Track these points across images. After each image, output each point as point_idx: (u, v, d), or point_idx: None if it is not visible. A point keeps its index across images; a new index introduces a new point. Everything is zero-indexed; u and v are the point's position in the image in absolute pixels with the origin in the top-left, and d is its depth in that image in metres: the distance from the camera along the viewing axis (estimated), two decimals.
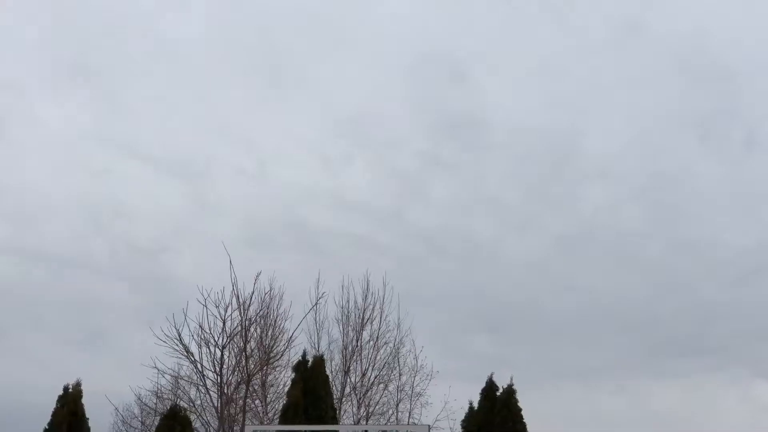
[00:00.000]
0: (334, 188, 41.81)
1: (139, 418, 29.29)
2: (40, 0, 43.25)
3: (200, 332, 23.98)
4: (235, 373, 24.44)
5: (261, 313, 25.16)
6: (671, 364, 39.97)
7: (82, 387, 21.20)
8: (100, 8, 43.54)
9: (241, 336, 24.44)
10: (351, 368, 26.22)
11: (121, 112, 42.96)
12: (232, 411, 24.15)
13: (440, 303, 37.29)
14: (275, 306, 25.63)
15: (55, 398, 21.01)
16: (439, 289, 38.40)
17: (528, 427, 20.24)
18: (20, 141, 43.55)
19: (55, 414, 20.56)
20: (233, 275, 24.38)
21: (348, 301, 27.16)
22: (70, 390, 20.92)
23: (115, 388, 29.08)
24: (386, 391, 26.32)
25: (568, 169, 43.73)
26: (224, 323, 24.04)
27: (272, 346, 25.35)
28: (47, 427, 20.45)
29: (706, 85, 42.68)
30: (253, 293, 24.54)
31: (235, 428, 23.89)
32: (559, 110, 43.76)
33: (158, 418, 22.78)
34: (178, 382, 25.96)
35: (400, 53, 43.60)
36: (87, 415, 20.94)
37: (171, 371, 25.49)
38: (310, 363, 21.79)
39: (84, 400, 21.21)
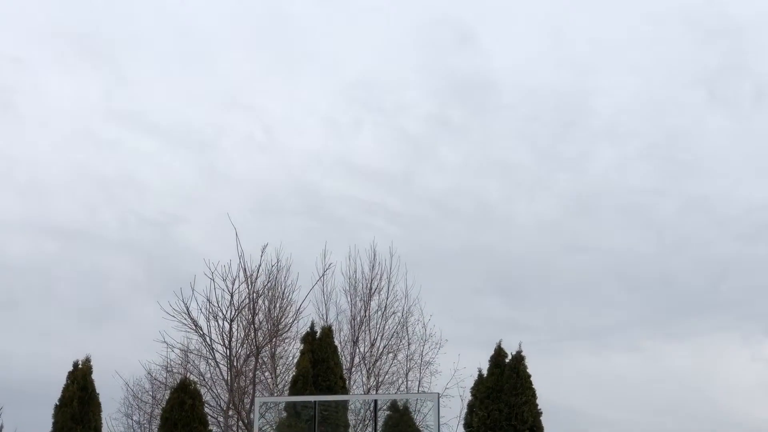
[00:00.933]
0: (342, 154, 41.71)
1: (150, 393, 29.44)
2: None
3: (208, 306, 24.09)
4: (244, 345, 24.53)
5: (268, 285, 25.25)
6: (684, 323, 39.95)
7: (92, 362, 21.22)
8: None
9: (249, 309, 24.52)
10: (360, 338, 26.29)
11: (128, 84, 42.73)
12: (241, 383, 24.24)
13: (451, 267, 37.23)
14: (283, 278, 25.71)
15: (66, 374, 21.06)
16: (449, 253, 38.36)
17: (538, 392, 20.25)
18: (28, 115, 43.44)
19: (65, 390, 20.62)
20: (240, 248, 24.44)
21: (355, 272, 27.24)
22: (80, 366, 20.95)
23: (125, 363, 29.23)
24: (395, 361, 26.44)
25: (577, 129, 43.49)
26: (232, 296, 24.14)
27: (280, 318, 25.42)
28: (57, 404, 20.52)
29: (714, 40, 42.32)
30: (260, 266, 24.63)
31: (245, 400, 24.00)
32: (567, 70, 43.43)
33: (168, 392, 22.85)
34: (187, 356, 26.11)
35: (407, 17, 43.30)
36: (97, 391, 20.98)
37: (180, 345, 25.62)
38: (318, 334, 21.80)
39: (94, 376, 21.23)
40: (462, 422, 20.91)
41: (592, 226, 41.27)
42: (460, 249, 38.82)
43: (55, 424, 20.39)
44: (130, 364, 28.47)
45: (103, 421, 21.35)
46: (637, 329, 39.91)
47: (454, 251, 38.59)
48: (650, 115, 43.22)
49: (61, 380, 20.96)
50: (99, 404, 20.90)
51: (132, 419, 30.90)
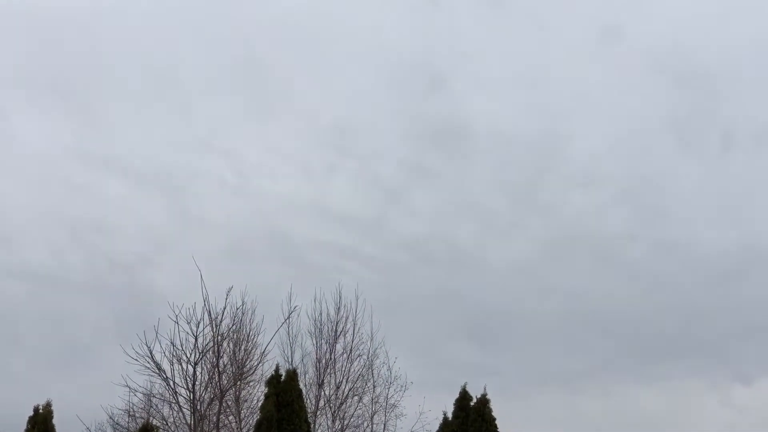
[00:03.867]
0: (316, 199, 41.80)
1: None
2: (18, 17, 42.96)
3: (172, 349, 23.85)
4: (208, 389, 24.28)
5: (233, 327, 25.07)
6: (655, 367, 40.10)
7: (54, 407, 20.97)
8: (78, 25, 43.33)
9: (213, 351, 24.31)
10: (325, 381, 26.13)
11: (100, 127, 42.80)
12: (205, 428, 23.98)
13: (423, 312, 37.30)
14: (248, 320, 25.53)
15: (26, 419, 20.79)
16: (422, 298, 38.42)
17: None
18: None
19: None
20: (204, 291, 24.26)
21: (321, 314, 27.11)
22: (41, 410, 20.70)
23: (88, 407, 28.85)
24: (361, 404, 26.28)
25: (551, 174, 43.98)
26: (196, 339, 23.92)
27: (245, 361, 25.22)
28: None
29: (684, 87, 43.07)
30: (225, 308, 24.46)
31: None
32: (541, 116, 44.04)
33: None
34: (150, 400, 25.78)
35: (381, 63, 43.74)
36: None
37: (143, 389, 25.30)
38: (283, 377, 21.67)
39: (56, 420, 20.98)
40: None
41: (565, 271, 41.54)
42: (432, 293, 38.90)
43: None
44: (92, 408, 28.09)
45: None
46: (607, 373, 40.04)
47: (426, 295, 38.68)
48: (622, 161, 43.78)
49: (21, 426, 20.68)
50: None
51: None
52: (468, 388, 20.71)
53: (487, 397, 20.30)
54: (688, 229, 42.57)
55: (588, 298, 40.56)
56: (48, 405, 20.81)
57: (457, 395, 20.81)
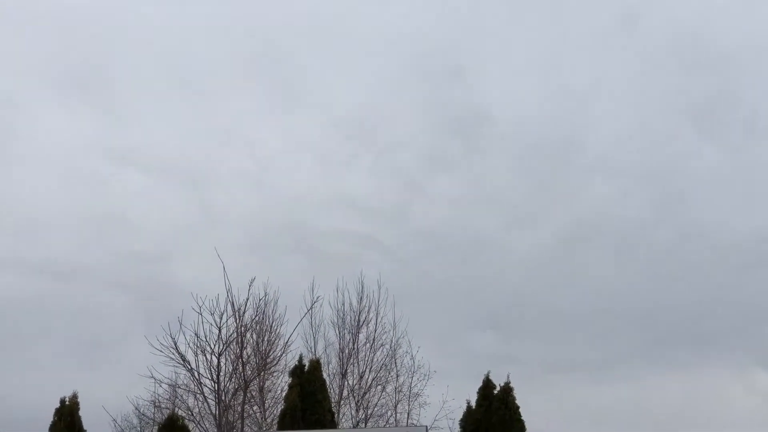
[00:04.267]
0: (337, 189, 41.79)
1: (138, 428, 29.24)
2: (40, 10, 43.19)
3: (196, 340, 24.07)
4: (233, 379, 24.46)
5: (256, 319, 25.23)
6: (679, 354, 39.95)
7: (80, 399, 21.16)
8: (100, 17, 43.50)
9: (237, 343, 24.48)
10: (348, 371, 26.21)
11: (122, 120, 42.94)
12: (230, 418, 24.15)
13: (445, 301, 37.26)
14: (270, 311, 25.66)
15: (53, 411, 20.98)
16: (444, 287, 38.36)
17: (527, 424, 20.21)
18: (21, 153, 43.57)
19: (52, 427, 20.55)
20: (227, 282, 24.50)
21: (343, 304, 27.17)
22: (67, 402, 20.89)
23: (113, 399, 29.09)
24: (384, 393, 26.34)
25: (571, 162, 43.78)
26: (220, 330, 24.15)
27: (269, 352, 25.36)
28: None
29: (705, 72, 42.81)
30: (247, 299, 24.66)
31: None
32: (561, 103, 43.82)
33: (156, 428, 22.75)
34: (175, 391, 25.99)
35: (401, 52, 43.65)
36: (84, 427, 20.89)
37: (168, 380, 25.54)
38: (306, 367, 21.76)
39: (82, 412, 21.17)
40: None
41: (587, 258, 41.39)
42: (454, 282, 38.86)
43: None
44: (118, 400, 28.34)
45: None
46: (631, 361, 39.89)
47: (448, 284, 38.64)
48: (644, 147, 43.55)
49: (49, 418, 20.88)
50: None
51: None
52: (491, 377, 20.72)
53: (511, 385, 20.30)
54: (711, 216, 42.35)
55: (611, 286, 40.42)
56: (74, 396, 21.00)
57: (480, 384, 20.81)
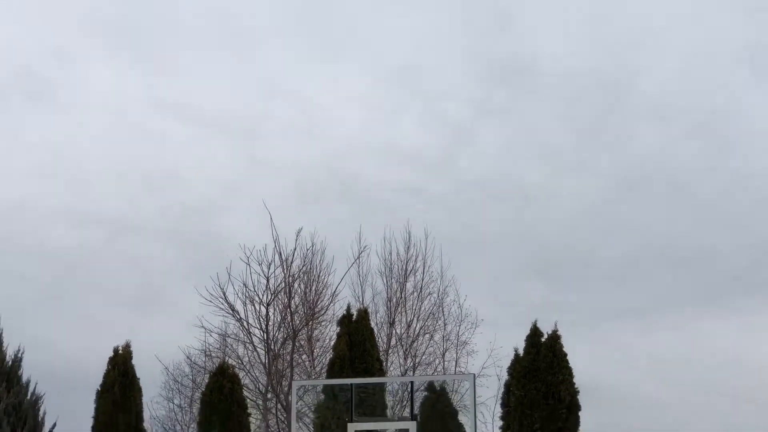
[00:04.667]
0: (384, 139, 41.60)
1: (190, 377, 29.76)
2: None
3: (245, 290, 24.35)
4: (281, 329, 24.73)
5: (304, 269, 25.42)
6: (729, 302, 39.46)
7: (133, 348, 21.46)
8: None
9: (285, 292, 24.71)
10: (396, 320, 26.36)
11: (170, 73, 42.98)
12: (279, 367, 24.45)
13: (492, 250, 37.12)
14: (318, 261, 25.85)
15: (107, 360, 21.33)
16: (491, 236, 38.22)
17: (576, 371, 20.19)
18: (71, 105, 43.89)
19: (106, 376, 20.90)
20: (274, 232, 24.71)
21: (390, 253, 27.26)
22: (120, 352, 21.21)
23: (165, 349, 29.54)
24: (432, 341, 26.49)
25: (620, 110, 43.07)
26: (268, 280, 24.40)
27: (316, 301, 25.58)
28: (99, 389, 20.81)
29: (757, 15, 41.77)
30: (295, 249, 24.87)
31: (283, 383, 24.20)
32: (609, 50, 43.05)
33: (208, 376, 23.10)
34: (225, 341, 26.37)
35: (448, 0, 43.15)
36: (138, 375, 21.22)
37: (218, 330, 25.93)
38: (354, 316, 21.87)
39: (135, 361, 21.45)
40: (499, 401, 20.93)
41: (637, 207, 40.96)
42: (502, 231, 38.70)
43: (96, 409, 20.66)
44: (170, 350, 28.80)
45: (145, 405, 21.63)
46: (681, 309, 39.57)
47: (495, 233, 38.48)
48: (694, 94, 42.78)
49: (103, 367, 21.24)
50: (140, 389, 21.13)
51: (173, 403, 31.25)
52: (538, 325, 20.68)
53: (558, 332, 20.24)
54: (763, 162, 41.63)
55: (661, 234, 39.99)
56: (127, 346, 21.31)
57: (527, 332, 20.78)
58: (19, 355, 19.97)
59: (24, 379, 19.82)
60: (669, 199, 40.86)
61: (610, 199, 41.13)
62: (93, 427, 20.53)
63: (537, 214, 40.03)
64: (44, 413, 20.01)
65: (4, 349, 19.89)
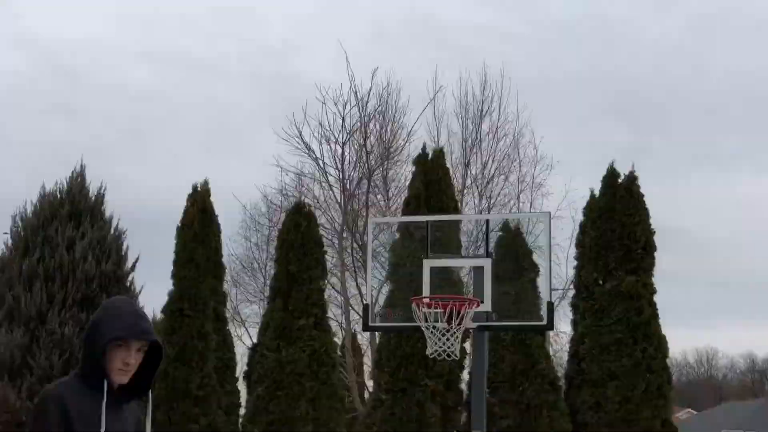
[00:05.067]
0: None
1: (266, 215, 30.17)
2: None
3: (320, 130, 24.36)
4: (357, 169, 24.82)
5: (379, 108, 25.26)
6: None
7: (210, 186, 21.67)
8: None
9: (360, 132, 24.68)
10: (471, 161, 26.23)
11: None
12: (355, 206, 24.66)
13: (571, 91, 36.66)
14: (393, 101, 25.64)
15: (185, 197, 21.58)
16: (570, 78, 37.65)
17: (653, 214, 19.92)
18: None
19: (185, 212, 21.18)
20: (350, 72, 24.48)
21: (466, 94, 26.89)
22: (199, 189, 21.43)
23: (243, 187, 30.00)
24: (507, 183, 26.37)
25: None
26: (343, 120, 24.36)
27: (392, 141, 25.52)
28: (179, 225, 21.17)
29: None
30: (370, 89, 24.66)
31: (359, 222, 24.45)
32: None
33: (284, 214, 23.38)
34: (301, 180, 26.58)
35: None
36: (216, 212, 21.50)
37: (294, 169, 26.08)
38: (430, 156, 21.75)
39: (213, 199, 21.69)
40: (574, 242, 20.84)
41: (720, 48, 39.67)
42: (581, 73, 38.01)
43: (177, 245, 21.08)
44: (247, 188, 29.18)
45: (223, 242, 22.02)
46: (763, 153, 38.69)
47: (574, 75, 37.84)
48: None
49: (182, 204, 21.56)
50: (218, 225, 21.42)
51: (250, 241, 31.79)
52: (616, 166, 20.33)
53: (636, 174, 19.88)
54: None
55: (743, 76, 38.84)
56: (206, 183, 21.48)
57: (602, 174, 20.46)
58: (102, 191, 20.41)
59: (107, 214, 20.31)
60: (753, 39, 39.38)
61: (695, 39, 39.85)
62: (174, 261, 21.00)
63: (618, 53, 39.04)
64: (127, 248, 20.55)
65: (87, 185, 20.32)
